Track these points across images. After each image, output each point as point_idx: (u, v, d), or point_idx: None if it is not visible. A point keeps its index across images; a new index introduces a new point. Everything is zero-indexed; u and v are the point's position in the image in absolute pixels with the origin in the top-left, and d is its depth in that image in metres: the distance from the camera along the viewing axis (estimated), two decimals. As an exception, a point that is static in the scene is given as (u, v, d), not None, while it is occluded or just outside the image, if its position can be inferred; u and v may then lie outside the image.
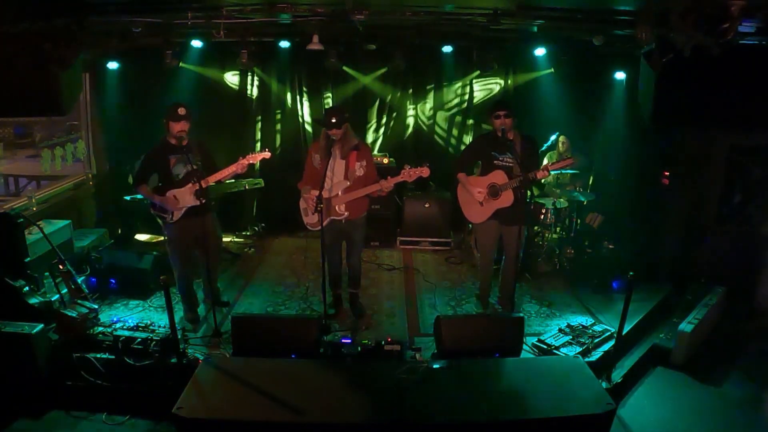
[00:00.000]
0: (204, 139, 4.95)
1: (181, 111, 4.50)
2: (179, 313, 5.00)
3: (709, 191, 5.87)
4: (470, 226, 6.72)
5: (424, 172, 4.51)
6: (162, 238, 6.13)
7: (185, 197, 4.63)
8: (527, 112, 7.00)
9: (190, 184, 4.58)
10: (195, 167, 4.55)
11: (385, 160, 7.01)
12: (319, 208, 4.40)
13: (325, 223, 4.61)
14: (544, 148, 6.53)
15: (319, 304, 5.05)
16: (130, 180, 6.50)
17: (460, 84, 7.38)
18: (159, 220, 4.81)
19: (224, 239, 5.92)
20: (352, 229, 4.86)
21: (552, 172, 6.19)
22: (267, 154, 4.73)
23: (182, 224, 4.69)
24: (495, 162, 4.81)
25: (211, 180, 4.60)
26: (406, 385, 3.67)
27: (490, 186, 4.80)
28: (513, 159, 4.68)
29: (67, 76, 4.00)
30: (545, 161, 6.58)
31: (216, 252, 5.08)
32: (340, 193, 4.67)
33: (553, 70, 6.90)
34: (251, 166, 4.74)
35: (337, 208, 4.69)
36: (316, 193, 4.44)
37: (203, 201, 4.53)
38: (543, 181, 6.52)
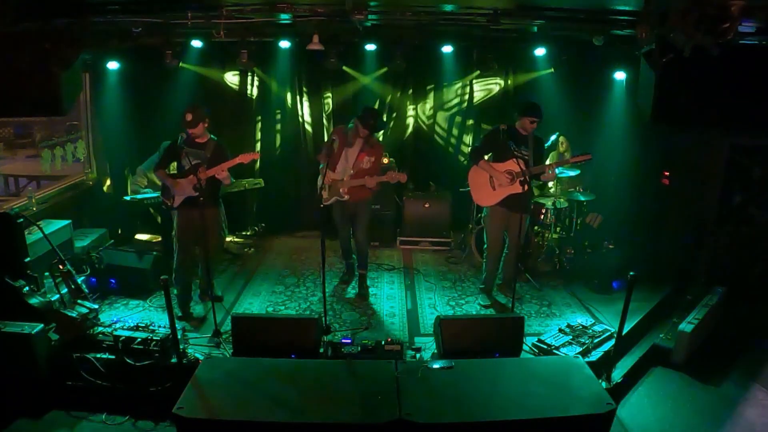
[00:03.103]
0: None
1: (188, 117, 4.77)
2: (179, 314, 5.00)
3: (709, 191, 5.86)
4: (470, 226, 6.74)
5: (402, 178, 5.06)
6: (160, 238, 6.18)
7: (185, 187, 4.88)
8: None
9: (191, 176, 4.77)
10: (197, 162, 4.76)
11: (385, 160, 7.00)
12: (323, 187, 5.26)
13: (332, 201, 5.36)
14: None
15: (319, 304, 5.06)
16: (128, 183, 6.52)
17: (460, 84, 7.38)
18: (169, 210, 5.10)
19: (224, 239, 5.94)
20: (356, 209, 5.42)
21: (560, 171, 6.26)
22: (256, 155, 5.07)
23: (182, 212, 4.95)
24: (513, 151, 5.03)
25: (209, 173, 4.78)
26: (406, 385, 3.67)
27: (506, 172, 5.07)
28: (528, 152, 5.01)
29: (67, 76, 4.00)
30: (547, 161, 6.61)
31: (214, 249, 5.17)
32: (345, 178, 5.24)
33: (553, 70, 6.89)
34: (251, 167, 4.84)
35: (341, 190, 5.25)
36: (331, 174, 5.25)
37: (199, 195, 4.68)
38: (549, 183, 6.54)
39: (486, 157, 5.20)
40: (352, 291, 5.78)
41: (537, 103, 5.10)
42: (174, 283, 5.09)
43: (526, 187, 4.92)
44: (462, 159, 7.47)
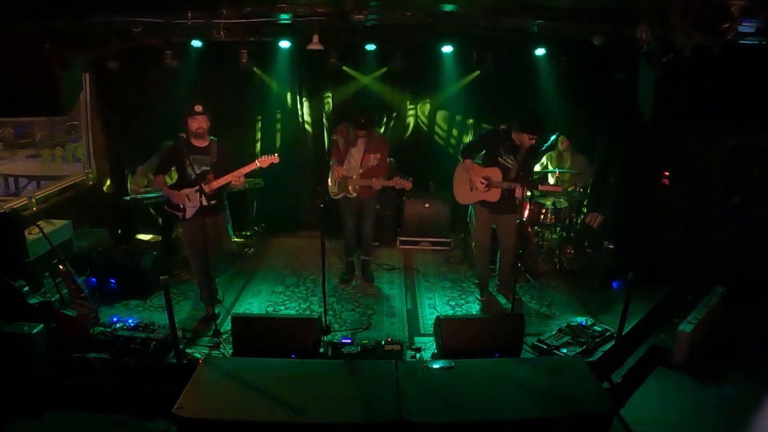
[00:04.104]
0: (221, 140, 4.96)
1: (198, 108, 4.59)
2: (179, 314, 5.01)
3: (709, 191, 5.86)
4: (470, 226, 6.73)
5: (407, 185, 5.31)
6: (160, 238, 6.18)
7: (195, 197, 4.70)
8: (527, 113, 7.00)
9: (202, 184, 4.65)
10: (205, 170, 4.66)
11: (386, 160, 7.02)
12: (333, 182, 5.52)
13: (340, 197, 5.56)
14: (543, 148, 6.52)
15: (319, 304, 5.06)
16: (128, 183, 6.51)
17: (460, 84, 7.37)
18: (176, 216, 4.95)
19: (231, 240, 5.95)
20: (364, 203, 5.67)
21: (554, 170, 6.27)
22: (275, 159, 4.79)
23: (195, 222, 4.75)
24: (498, 159, 5.07)
25: (220, 182, 4.66)
26: (406, 385, 3.67)
27: (485, 178, 5.12)
28: (514, 162, 4.98)
29: (67, 76, 4.00)
30: (543, 160, 6.61)
31: (221, 251, 5.16)
32: (354, 176, 5.43)
33: (552, 70, 6.88)
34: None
35: (350, 188, 5.47)
36: (341, 170, 5.41)
37: (212, 202, 4.61)
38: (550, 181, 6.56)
39: (477, 155, 5.26)
40: (352, 290, 5.79)
41: (539, 119, 4.99)
42: (199, 289, 5.16)
43: (498, 197, 5.06)
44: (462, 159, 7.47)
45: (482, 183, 5.11)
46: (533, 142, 4.98)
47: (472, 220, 5.50)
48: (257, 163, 4.70)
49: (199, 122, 4.61)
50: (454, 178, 5.43)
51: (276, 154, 4.81)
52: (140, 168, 6.47)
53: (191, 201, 4.73)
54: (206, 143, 4.74)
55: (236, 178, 4.65)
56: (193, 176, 4.67)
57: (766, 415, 4.11)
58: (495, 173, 5.10)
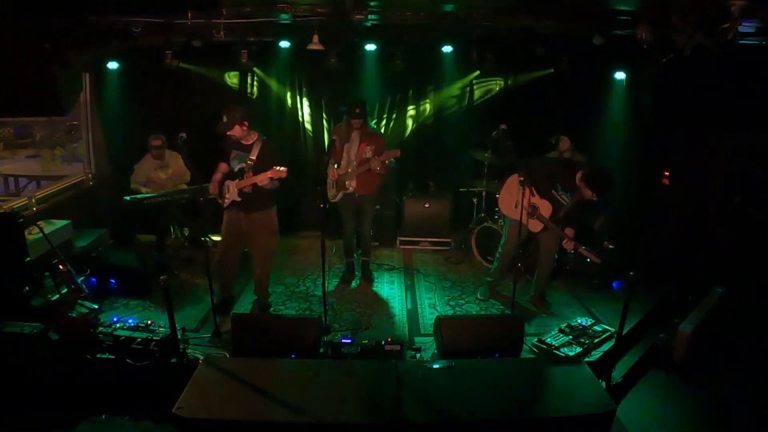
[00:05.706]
0: (269, 139, 4.92)
1: (223, 119, 4.62)
2: (179, 313, 5.00)
3: (709, 191, 5.86)
4: (470, 226, 6.74)
5: (396, 153, 5.28)
6: (155, 238, 6.18)
7: (233, 191, 4.84)
8: (527, 112, 7.01)
9: (237, 180, 4.77)
10: (242, 167, 4.76)
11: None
12: (330, 184, 5.54)
13: (339, 197, 5.54)
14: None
15: (319, 304, 5.06)
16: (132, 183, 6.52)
17: (460, 84, 7.37)
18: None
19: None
20: (363, 202, 5.62)
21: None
22: (282, 173, 4.69)
23: (229, 213, 4.93)
24: (553, 191, 4.92)
25: (248, 182, 4.70)
26: (406, 385, 3.67)
27: (532, 206, 4.90)
28: (569, 201, 4.87)
29: (67, 76, 4.00)
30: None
31: (263, 254, 5.09)
32: (350, 170, 5.42)
33: (553, 70, 6.89)
34: None
35: (347, 184, 5.45)
36: (336, 170, 5.45)
37: (244, 199, 4.74)
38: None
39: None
40: (352, 290, 5.80)
41: (610, 180, 4.67)
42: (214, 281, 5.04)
43: (539, 229, 4.94)
44: (462, 158, 7.48)
45: (528, 209, 4.82)
46: (594, 199, 4.74)
47: (506, 225, 5.30)
48: (269, 174, 4.58)
49: (226, 132, 4.68)
50: (504, 184, 5.22)
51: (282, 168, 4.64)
52: (137, 165, 6.46)
53: (229, 192, 4.85)
54: (251, 141, 4.79)
55: (262, 179, 4.58)
56: (235, 170, 4.80)
57: None
58: (545, 207, 4.90)
